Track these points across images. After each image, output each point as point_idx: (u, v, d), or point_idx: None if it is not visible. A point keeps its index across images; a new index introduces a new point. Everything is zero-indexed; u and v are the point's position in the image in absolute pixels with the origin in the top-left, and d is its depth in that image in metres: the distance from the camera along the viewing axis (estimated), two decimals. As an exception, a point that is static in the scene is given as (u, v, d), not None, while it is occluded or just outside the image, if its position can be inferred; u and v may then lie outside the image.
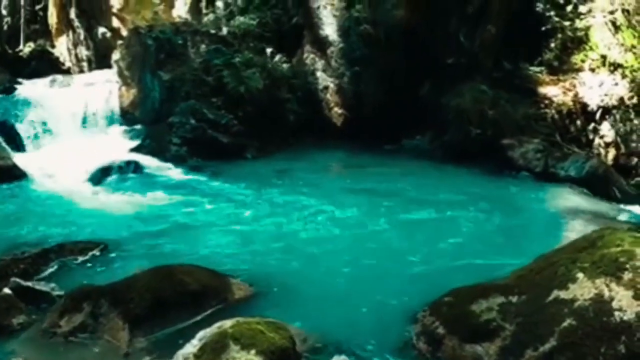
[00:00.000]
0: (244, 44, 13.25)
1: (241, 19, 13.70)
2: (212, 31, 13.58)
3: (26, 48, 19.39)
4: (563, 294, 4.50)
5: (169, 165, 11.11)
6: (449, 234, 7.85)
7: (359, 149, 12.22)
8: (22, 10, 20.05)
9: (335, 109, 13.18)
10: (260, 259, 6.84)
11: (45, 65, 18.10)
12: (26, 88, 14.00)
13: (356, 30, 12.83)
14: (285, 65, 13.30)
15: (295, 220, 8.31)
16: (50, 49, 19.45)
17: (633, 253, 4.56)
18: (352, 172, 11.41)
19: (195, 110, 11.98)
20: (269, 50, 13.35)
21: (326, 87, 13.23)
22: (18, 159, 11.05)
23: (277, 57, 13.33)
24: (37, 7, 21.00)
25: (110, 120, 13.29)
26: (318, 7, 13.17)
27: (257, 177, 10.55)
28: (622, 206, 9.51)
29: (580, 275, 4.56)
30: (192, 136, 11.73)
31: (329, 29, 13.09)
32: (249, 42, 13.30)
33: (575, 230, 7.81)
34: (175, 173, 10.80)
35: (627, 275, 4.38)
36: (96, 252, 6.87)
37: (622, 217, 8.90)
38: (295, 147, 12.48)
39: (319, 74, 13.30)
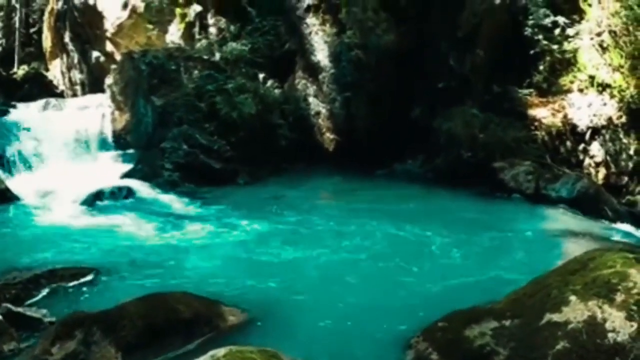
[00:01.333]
0: (236, 69, 13.33)
1: (234, 45, 13.79)
2: (205, 57, 13.67)
3: (20, 71, 19.51)
4: (556, 317, 4.50)
5: (161, 190, 11.10)
6: (441, 258, 7.87)
7: (351, 174, 12.24)
8: (17, 33, 20.18)
9: (327, 133, 13.23)
10: (253, 286, 6.81)
11: (39, 88, 18.22)
12: (19, 111, 14.02)
13: (347, 56, 12.94)
14: (277, 91, 13.39)
15: (287, 247, 8.27)
16: (44, 72, 19.59)
17: (625, 274, 4.57)
18: (345, 197, 11.40)
19: (188, 135, 12.00)
20: (261, 75, 13.45)
21: (318, 113, 13.29)
22: (10, 182, 11.03)
23: (269, 83, 13.42)
24: (32, 30, 21.22)
25: (103, 145, 13.35)
26: (310, 34, 13.30)
27: (249, 203, 10.52)
28: (613, 225, 9.59)
29: (572, 297, 4.57)
30: (184, 162, 11.75)
31: (321, 54, 13.19)
32: (241, 67, 13.39)
33: (567, 251, 7.84)
34: (167, 198, 10.76)
35: (619, 297, 4.39)
36: (88, 278, 6.82)
37: (614, 236, 8.96)
38: (287, 172, 12.50)
39: (311, 99, 13.38)
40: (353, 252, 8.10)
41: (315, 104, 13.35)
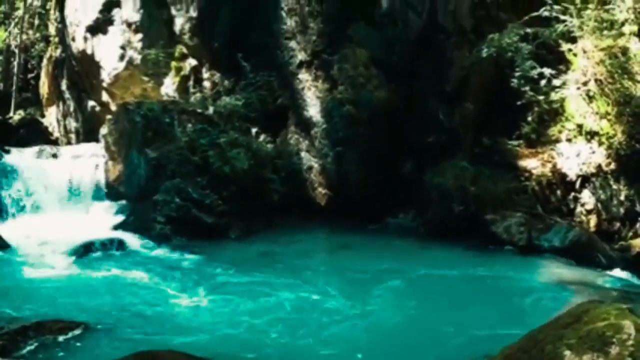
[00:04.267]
0: (229, 123, 13.43)
1: (227, 99, 13.94)
2: (199, 110, 13.78)
3: (16, 115, 19.64)
4: (552, 372, 4.45)
5: (153, 243, 11.02)
6: (436, 313, 7.83)
7: (344, 229, 12.19)
8: (15, 78, 20.38)
9: (320, 188, 13.27)
10: (243, 344, 6.70)
11: (34, 133, 18.26)
12: (13, 156, 14.00)
13: (339, 112, 13.08)
14: (270, 146, 13.47)
15: (278, 306, 8.14)
16: (39, 118, 19.69)
17: (619, 326, 4.54)
18: (337, 254, 11.36)
19: (181, 189, 12.00)
20: (254, 130, 13.56)
21: (310, 167, 13.36)
22: (1, 228, 10.97)
23: (262, 137, 13.52)
24: (30, 75, 21.47)
25: (96, 195, 13.29)
26: (302, 89, 13.49)
27: (241, 259, 10.43)
28: (607, 272, 9.60)
29: (567, 352, 4.52)
30: (176, 215, 11.71)
31: (313, 110, 13.35)
32: (234, 122, 13.49)
33: (561, 303, 7.79)
34: (158, 252, 10.69)
35: (614, 350, 4.35)
36: (76, 332, 6.70)
37: (609, 283, 8.95)
38: (279, 227, 12.45)
39: (303, 154, 13.47)
40: (345, 314, 7.92)
41: (308, 159, 13.43)
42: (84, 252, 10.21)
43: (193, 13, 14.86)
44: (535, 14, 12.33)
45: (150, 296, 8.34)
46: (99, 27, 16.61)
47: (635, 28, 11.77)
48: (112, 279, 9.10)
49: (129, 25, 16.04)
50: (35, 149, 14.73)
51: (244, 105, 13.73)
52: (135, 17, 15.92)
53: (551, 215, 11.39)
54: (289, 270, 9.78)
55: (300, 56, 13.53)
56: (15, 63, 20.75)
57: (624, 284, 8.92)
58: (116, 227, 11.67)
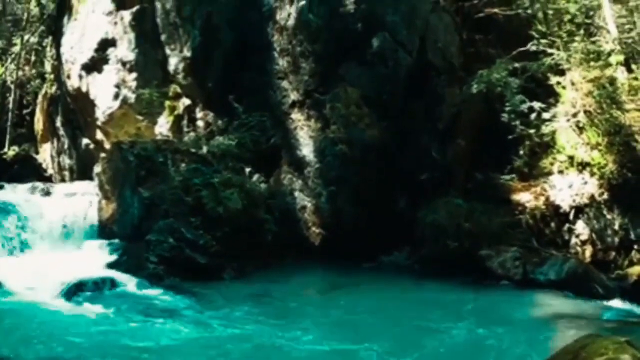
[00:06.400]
0: (222, 163, 13.44)
1: (220, 139, 13.97)
2: (193, 150, 13.80)
3: (10, 151, 19.60)
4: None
5: (146, 283, 10.84)
6: (432, 353, 7.71)
7: (338, 268, 12.09)
8: (10, 114, 20.40)
9: (313, 228, 13.22)
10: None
11: (27, 170, 18.29)
12: (6, 192, 14.03)
13: (332, 151, 13.13)
14: (263, 185, 13.46)
15: (271, 350, 8.02)
16: (34, 155, 19.67)
17: (617, 361, 4.49)
18: (331, 294, 11.22)
19: (174, 229, 11.94)
20: (247, 170, 13.55)
21: (304, 207, 13.33)
22: (-8, 265, 10.82)
23: (255, 177, 13.51)
24: (25, 111, 21.52)
25: (89, 233, 13.20)
26: (295, 129, 13.55)
27: (234, 300, 10.28)
28: (605, 302, 9.59)
29: (566, 391, 4.45)
30: (169, 255, 11.61)
31: (306, 149, 13.38)
32: (227, 161, 13.50)
33: (560, 337, 7.75)
34: (151, 292, 10.53)
35: (613, 386, 4.29)
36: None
37: (607, 314, 8.93)
38: (273, 267, 12.35)
39: (296, 193, 13.45)
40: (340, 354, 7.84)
41: (301, 198, 13.41)
42: (75, 291, 10.07)
43: (187, 53, 15.01)
44: (523, 48, 12.55)
45: (141, 338, 8.17)
46: (94, 65, 16.72)
47: (621, 58, 12.02)
48: (104, 319, 8.97)
49: (124, 64, 16.16)
50: (29, 185, 14.74)
51: (237, 145, 13.75)
52: (130, 56, 16.07)
53: (546, 248, 11.42)
54: (283, 313, 9.69)
55: (293, 96, 13.62)
56: (11, 99, 20.82)
57: (622, 313, 8.89)
58: (109, 266, 11.56)
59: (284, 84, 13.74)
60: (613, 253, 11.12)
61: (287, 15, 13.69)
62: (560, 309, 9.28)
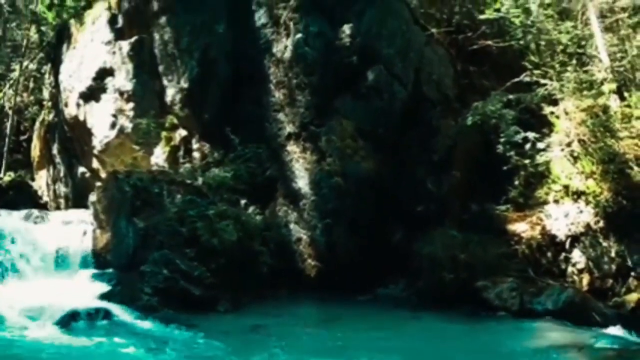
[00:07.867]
0: (218, 195, 13.43)
1: (216, 170, 13.99)
2: (188, 181, 13.80)
3: (6, 177, 19.47)
4: None
5: (139, 314, 10.72)
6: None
7: (334, 301, 12.02)
8: (7, 140, 20.37)
9: (309, 260, 13.18)
10: None
11: (23, 196, 18.15)
12: (1, 218, 13.87)
13: (328, 183, 13.17)
14: (258, 217, 13.42)
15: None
16: (29, 182, 19.56)
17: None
18: (327, 327, 11.07)
19: (169, 260, 11.86)
20: (242, 202, 13.53)
21: (299, 239, 13.31)
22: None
23: (251, 209, 13.48)
24: (22, 137, 21.50)
25: (83, 262, 13.11)
26: (290, 161, 13.61)
27: (228, 333, 10.20)
28: (604, 331, 9.55)
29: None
30: (164, 286, 11.50)
31: (301, 181, 13.41)
32: (223, 193, 13.49)
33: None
34: (145, 324, 10.39)
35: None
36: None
37: (605, 343, 8.87)
38: (269, 299, 12.26)
39: (292, 225, 13.43)
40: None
41: (297, 231, 13.39)
42: (68, 321, 9.95)
43: (184, 84, 15.11)
44: (516, 79, 12.73)
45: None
46: (92, 94, 16.78)
47: (614, 86, 12.20)
48: (97, 350, 8.87)
49: (122, 93, 16.21)
50: (24, 212, 14.66)
51: (233, 177, 13.77)
52: (128, 86, 16.11)
53: (543, 278, 11.41)
54: (278, 345, 9.55)
55: (289, 128, 13.72)
56: (8, 124, 20.72)
57: (620, 341, 8.84)
58: (102, 297, 11.44)
59: (280, 116, 13.85)
60: (610, 281, 11.11)
61: (283, 47, 13.88)
62: (559, 338, 9.22)
